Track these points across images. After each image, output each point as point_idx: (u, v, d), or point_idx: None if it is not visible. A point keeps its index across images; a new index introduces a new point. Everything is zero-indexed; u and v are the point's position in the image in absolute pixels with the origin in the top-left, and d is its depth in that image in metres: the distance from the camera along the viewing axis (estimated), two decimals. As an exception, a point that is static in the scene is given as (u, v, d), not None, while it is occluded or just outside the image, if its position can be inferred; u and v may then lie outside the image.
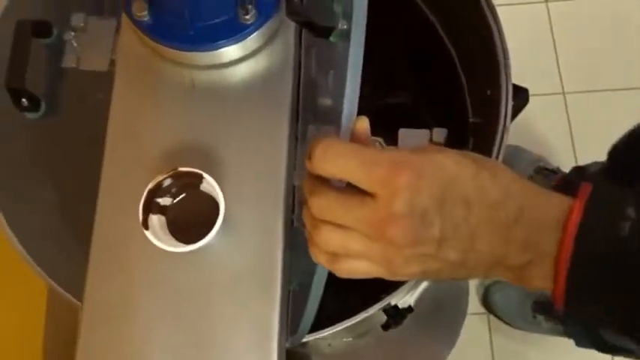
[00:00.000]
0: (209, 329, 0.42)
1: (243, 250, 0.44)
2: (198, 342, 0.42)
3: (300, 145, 0.56)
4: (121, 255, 0.44)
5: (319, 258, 0.34)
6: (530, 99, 1.50)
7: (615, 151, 0.97)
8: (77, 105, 0.70)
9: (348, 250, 0.33)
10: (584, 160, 1.33)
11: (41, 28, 0.64)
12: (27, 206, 0.64)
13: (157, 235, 0.40)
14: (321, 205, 0.33)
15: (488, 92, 0.69)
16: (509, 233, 0.32)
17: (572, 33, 1.39)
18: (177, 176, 0.40)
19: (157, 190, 0.40)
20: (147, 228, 0.39)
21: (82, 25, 0.65)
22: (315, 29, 0.44)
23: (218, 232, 0.40)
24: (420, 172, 0.31)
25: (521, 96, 0.70)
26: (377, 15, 0.84)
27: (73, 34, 0.64)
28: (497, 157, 0.64)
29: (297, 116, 0.57)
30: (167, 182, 0.40)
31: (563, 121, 1.37)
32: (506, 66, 0.65)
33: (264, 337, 0.42)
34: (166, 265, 0.43)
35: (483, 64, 0.69)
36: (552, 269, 0.31)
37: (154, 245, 0.40)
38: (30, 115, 0.62)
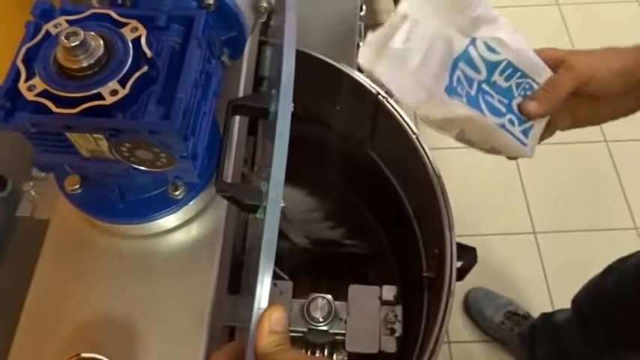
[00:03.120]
0: None
1: None
2: None
3: (245, 299, 0.56)
4: None
5: None
6: (503, 238, 1.51)
7: (577, 301, 0.97)
8: (28, 253, 0.70)
9: None
10: (559, 301, 1.32)
11: (-4, 182, 0.66)
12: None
13: None
14: None
15: (436, 251, 0.70)
16: None
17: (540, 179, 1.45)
18: (79, 362, 0.39)
19: (56, 377, 0.39)
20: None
21: (42, 175, 0.67)
22: (242, 205, 0.46)
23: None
24: None
25: (468, 255, 0.70)
26: (342, 175, 0.88)
27: (32, 183, 0.66)
28: (443, 319, 0.63)
29: (239, 266, 0.57)
30: (67, 369, 0.39)
31: (536, 261, 1.38)
32: (450, 226, 0.67)
33: None
34: None
35: (433, 222, 0.71)
36: None
37: None
38: (-31, 270, 0.62)
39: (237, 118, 0.54)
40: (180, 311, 0.46)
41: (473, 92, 0.52)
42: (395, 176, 0.84)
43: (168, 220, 0.48)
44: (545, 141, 0.57)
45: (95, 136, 0.39)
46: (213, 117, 0.48)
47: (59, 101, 0.37)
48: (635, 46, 0.50)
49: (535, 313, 1.21)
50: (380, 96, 0.73)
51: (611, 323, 0.89)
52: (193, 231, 0.49)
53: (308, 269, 0.83)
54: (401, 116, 0.72)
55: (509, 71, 0.52)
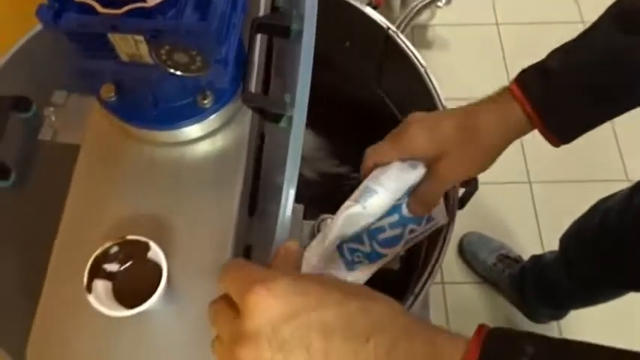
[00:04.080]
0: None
1: (185, 319, 0.46)
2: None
3: (259, 221, 0.59)
4: (67, 319, 0.45)
5: None
6: (499, 187, 1.54)
7: (563, 241, 1.01)
8: (50, 176, 0.73)
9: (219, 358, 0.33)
10: (550, 247, 1.38)
11: (21, 104, 0.69)
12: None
13: (100, 300, 0.42)
14: (210, 314, 0.34)
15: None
16: None
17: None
18: (125, 244, 0.43)
19: (104, 257, 0.43)
20: (90, 292, 0.41)
21: (62, 101, 0.70)
22: (267, 115, 0.49)
23: (159, 299, 0.42)
24: (277, 292, 0.30)
25: (470, 182, 0.74)
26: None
27: (52, 109, 0.70)
28: (442, 245, 0.67)
29: (255, 192, 0.61)
30: (114, 249, 0.43)
31: (530, 208, 1.43)
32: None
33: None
34: (110, 330, 0.44)
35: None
36: None
37: (97, 310, 0.41)
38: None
39: (259, 37, 0.56)
40: (209, 213, 0.50)
41: (367, 248, 0.53)
42: (403, 114, 0.87)
43: (197, 128, 0.51)
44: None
45: (136, 38, 0.42)
46: (240, 36, 0.51)
47: (104, 3, 0.40)
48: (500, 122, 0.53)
49: (527, 257, 1.26)
50: (390, 30, 0.75)
51: (597, 262, 0.92)
52: (218, 142, 0.53)
53: (318, 201, 0.87)
54: (410, 50, 0.74)
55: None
